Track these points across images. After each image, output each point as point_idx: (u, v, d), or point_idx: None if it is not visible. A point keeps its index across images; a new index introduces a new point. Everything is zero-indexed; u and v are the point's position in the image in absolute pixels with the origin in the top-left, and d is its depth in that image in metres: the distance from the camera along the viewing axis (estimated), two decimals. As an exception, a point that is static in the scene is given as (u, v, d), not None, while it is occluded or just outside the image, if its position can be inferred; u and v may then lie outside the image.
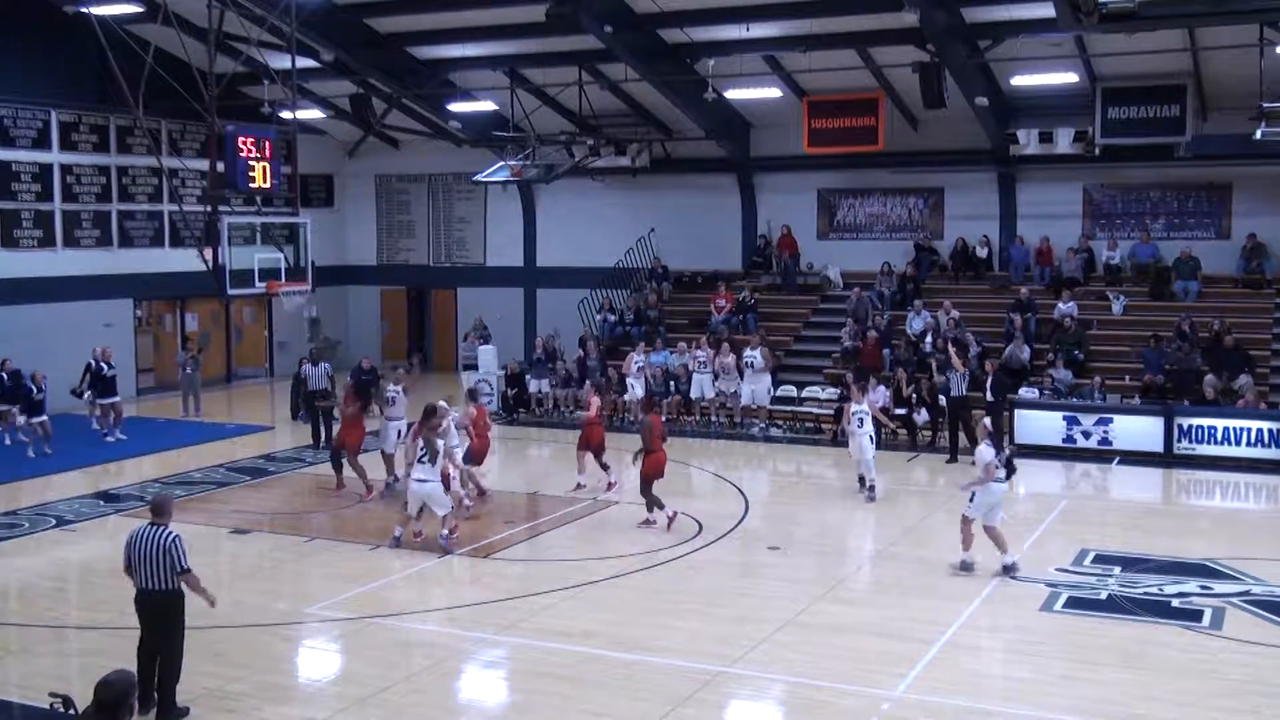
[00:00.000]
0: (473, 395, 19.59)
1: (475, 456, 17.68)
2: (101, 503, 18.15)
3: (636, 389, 23.69)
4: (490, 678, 11.41)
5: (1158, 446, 20.77)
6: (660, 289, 29.15)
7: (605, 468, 18.45)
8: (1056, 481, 20.18)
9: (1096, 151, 24.74)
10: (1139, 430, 21.07)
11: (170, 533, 9.92)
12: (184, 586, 9.99)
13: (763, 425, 23.68)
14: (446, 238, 33.56)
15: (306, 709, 10.28)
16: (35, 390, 21.77)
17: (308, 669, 11.68)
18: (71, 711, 7.68)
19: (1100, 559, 14.70)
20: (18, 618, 12.95)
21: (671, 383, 24.81)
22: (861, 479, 18.31)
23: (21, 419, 21.80)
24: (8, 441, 22.26)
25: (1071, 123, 25.10)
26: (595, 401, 19.16)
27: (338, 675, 11.42)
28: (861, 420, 18.14)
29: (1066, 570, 14.22)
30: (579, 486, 18.45)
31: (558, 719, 10.09)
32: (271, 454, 21.91)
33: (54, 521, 16.85)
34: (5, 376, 22.33)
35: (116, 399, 23.35)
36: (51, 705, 8.06)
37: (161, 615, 9.95)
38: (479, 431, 17.74)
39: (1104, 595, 13.31)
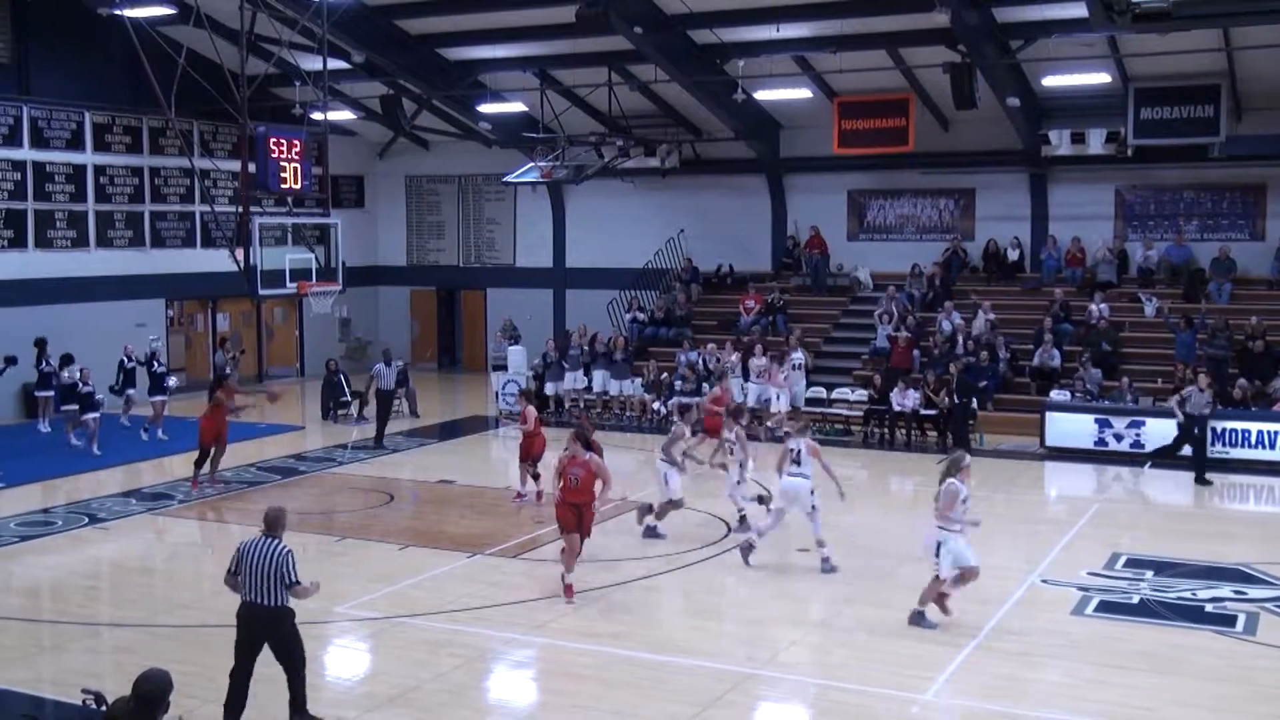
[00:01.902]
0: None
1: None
2: (134, 501, 18.27)
3: (783, 399, 23.52)
4: (519, 678, 11.42)
5: (1190, 450, 20.57)
6: (689, 290, 29.12)
7: (535, 477, 17.80)
8: (1088, 484, 20.05)
9: (1129, 152, 24.59)
10: (1171, 433, 20.87)
11: (283, 545, 9.58)
12: (292, 601, 9.60)
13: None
14: (476, 238, 33.63)
15: (336, 708, 10.30)
16: (82, 385, 21.94)
17: (337, 668, 11.71)
18: (103, 708, 7.72)
19: (1132, 563, 14.59)
20: (51, 614, 13.06)
21: (703, 382, 24.74)
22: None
23: (90, 415, 21.88)
24: (74, 443, 22.20)
25: (1104, 123, 24.96)
26: (530, 412, 18.09)
27: (367, 674, 11.46)
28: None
29: (1098, 574, 14.12)
30: (520, 496, 17.88)
31: (586, 720, 10.10)
32: (302, 454, 22.00)
33: (87, 519, 16.97)
34: (81, 386, 22.11)
35: (164, 397, 23.51)
36: (84, 702, 8.10)
37: (270, 630, 9.55)
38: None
39: (1136, 600, 13.21)
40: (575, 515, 13.25)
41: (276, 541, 9.59)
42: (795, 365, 23.96)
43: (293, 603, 9.60)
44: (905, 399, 22.22)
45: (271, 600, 9.47)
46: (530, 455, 17.85)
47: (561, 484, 13.44)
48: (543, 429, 18.36)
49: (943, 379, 22.59)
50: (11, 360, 21.82)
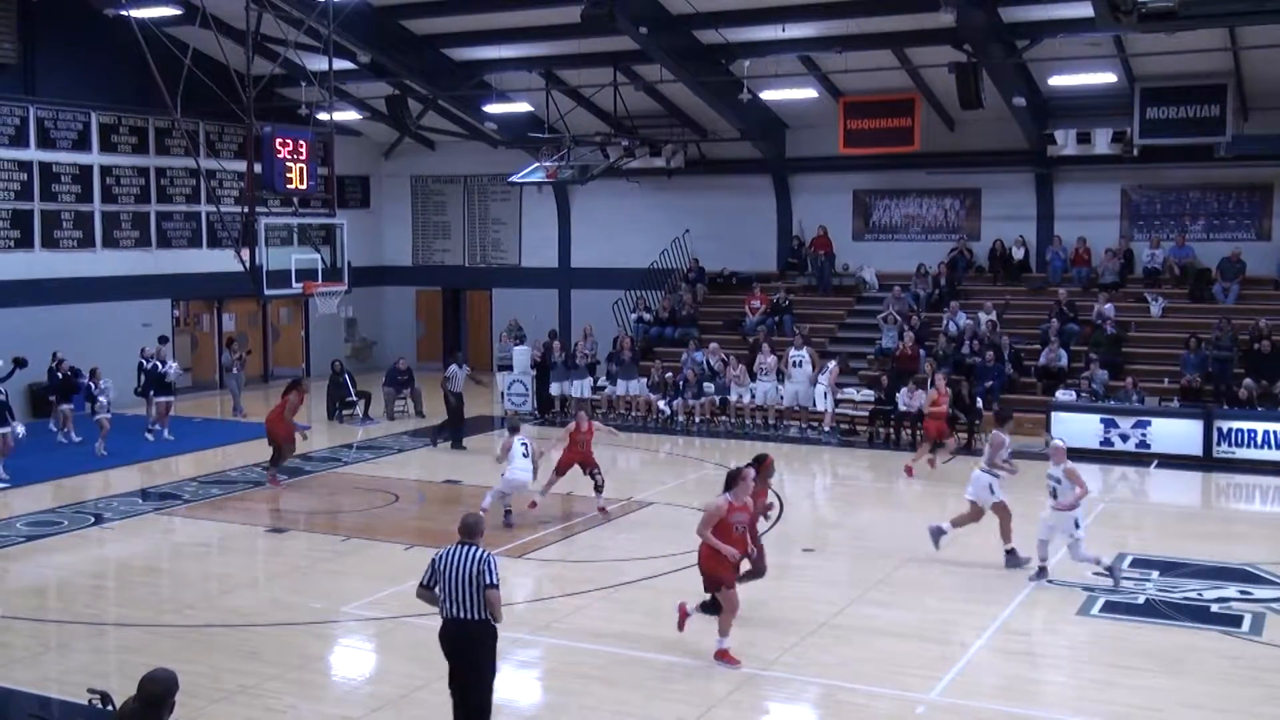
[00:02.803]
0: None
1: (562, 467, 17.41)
2: (140, 501, 18.31)
3: (825, 399, 23.53)
4: (524, 678, 11.41)
5: (1197, 450, 20.60)
6: (695, 290, 29.12)
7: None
8: (1094, 484, 19.90)
9: (1135, 152, 24.54)
10: (1178, 433, 20.90)
11: (483, 551, 8.88)
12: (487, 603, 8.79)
13: (800, 426, 23.59)
14: (482, 238, 33.66)
15: (341, 707, 10.33)
16: (94, 387, 21.97)
17: (343, 667, 11.73)
18: (110, 708, 7.74)
19: (1138, 563, 14.58)
20: (57, 614, 13.09)
21: (705, 383, 24.76)
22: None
23: (104, 415, 21.92)
24: (60, 440, 22.42)
25: (1110, 123, 24.92)
26: (583, 420, 17.70)
27: (372, 674, 11.48)
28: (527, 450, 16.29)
29: (1104, 574, 14.09)
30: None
31: (591, 720, 10.10)
32: (308, 454, 22.01)
33: (93, 519, 17.00)
34: (60, 375, 22.58)
35: (171, 398, 23.54)
36: (90, 701, 8.12)
37: (471, 646, 8.83)
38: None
39: (1142, 600, 13.20)
40: (734, 566, 11.45)
41: (475, 548, 8.89)
42: (796, 363, 23.87)
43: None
44: (912, 400, 22.20)
45: (473, 613, 8.73)
46: (572, 464, 17.36)
47: (714, 529, 11.21)
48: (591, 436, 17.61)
49: (951, 379, 22.53)
50: (21, 362, 21.84)
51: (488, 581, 8.71)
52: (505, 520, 16.34)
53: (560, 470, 17.37)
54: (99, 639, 12.26)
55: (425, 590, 9.02)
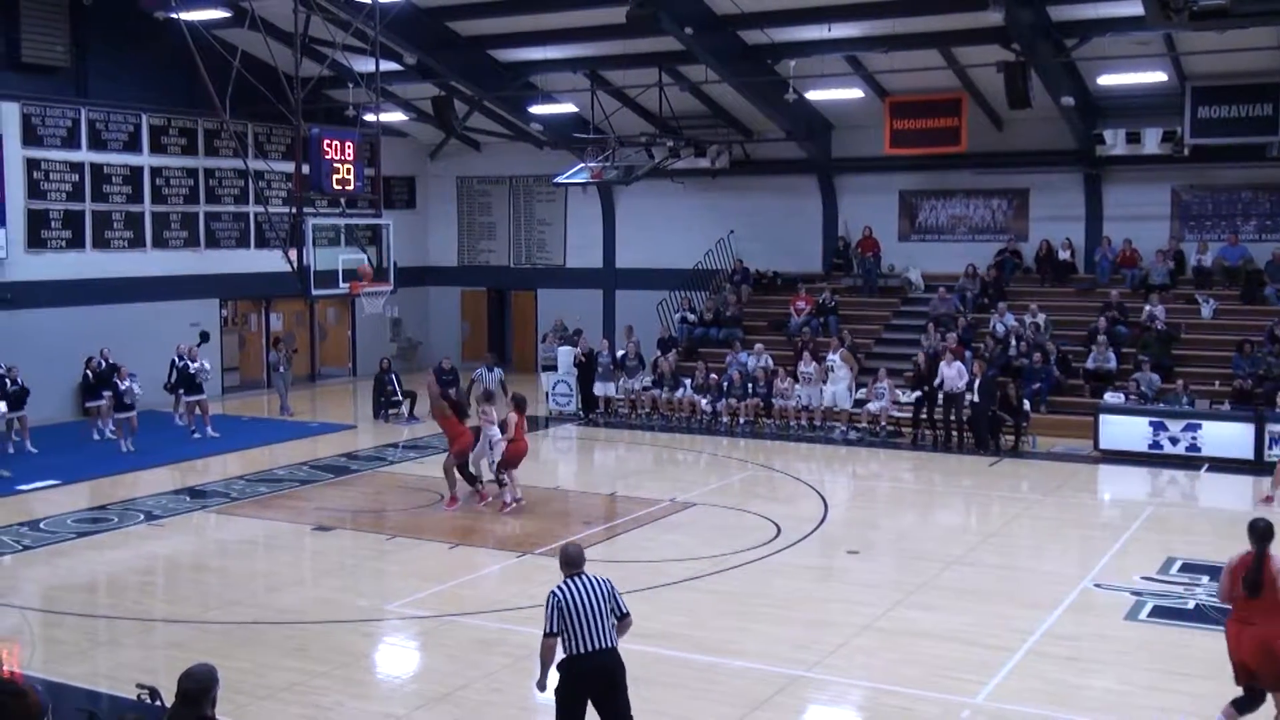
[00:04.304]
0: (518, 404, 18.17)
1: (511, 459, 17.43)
2: (188, 498, 18.49)
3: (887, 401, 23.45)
4: (567, 678, 11.43)
5: (1248, 453, 20.32)
6: (740, 291, 29.07)
7: (471, 480, 17.69)
8: (1142, 488, 19.83)
9: (1186, 152, 24.30)
10: (1229, 436, 20.62)
11: (604, 578, 8.46)
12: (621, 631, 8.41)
13: (843, 429, 23.48)
14: (527, 239, 33.75)
15: (386, 705, 10.38)
16: (120, 384, 22.21)
17: (387, 665, 11.80)
18: (158, 703, 7.81)
19: (1187, 567, 14.41)
20: (106, 610, 13.26)
21: (750, 384, 24.70)
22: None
23: (122, 414, 22.18)
24: (96, 437, 22.76)
25: (1160, 123, 24.68)
26: (512, 418, 17.48)
27: (417, 672, 11.53)
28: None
29: (1152, 579, 13.95)
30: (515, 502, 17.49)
31: (634, 720, 10.09)
32: (354, 452, 22.17)
33: (142, 516, 17.19)
34: (103, 364, 22.85)
35: (202, 396, 23.73)
36: (138, 696, 8.19)
37: (618, 681, 8.27)
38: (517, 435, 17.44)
39: (1191, 605, 13.05)
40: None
41: (592, 576, 8.41)
42: (830, 367, 23.66)
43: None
44: (951, 369, 21.85)
45: (612, 641, 8.21)
46: (513, 462, 17.36)
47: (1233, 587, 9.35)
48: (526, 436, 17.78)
49: (998, 380, 22.33)
50: (205, 336, 22.05)
51: (622, 610, 8.32)
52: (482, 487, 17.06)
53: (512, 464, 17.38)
54: (147, 635, 12.38)
55: (555, 638, 8.19)
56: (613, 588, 8.36)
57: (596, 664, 8.13)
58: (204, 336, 26.19)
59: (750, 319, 28.20)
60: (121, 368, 22.43)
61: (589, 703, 8.23)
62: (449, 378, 26.23)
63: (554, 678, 8.24)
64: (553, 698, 8.29)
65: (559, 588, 8.26)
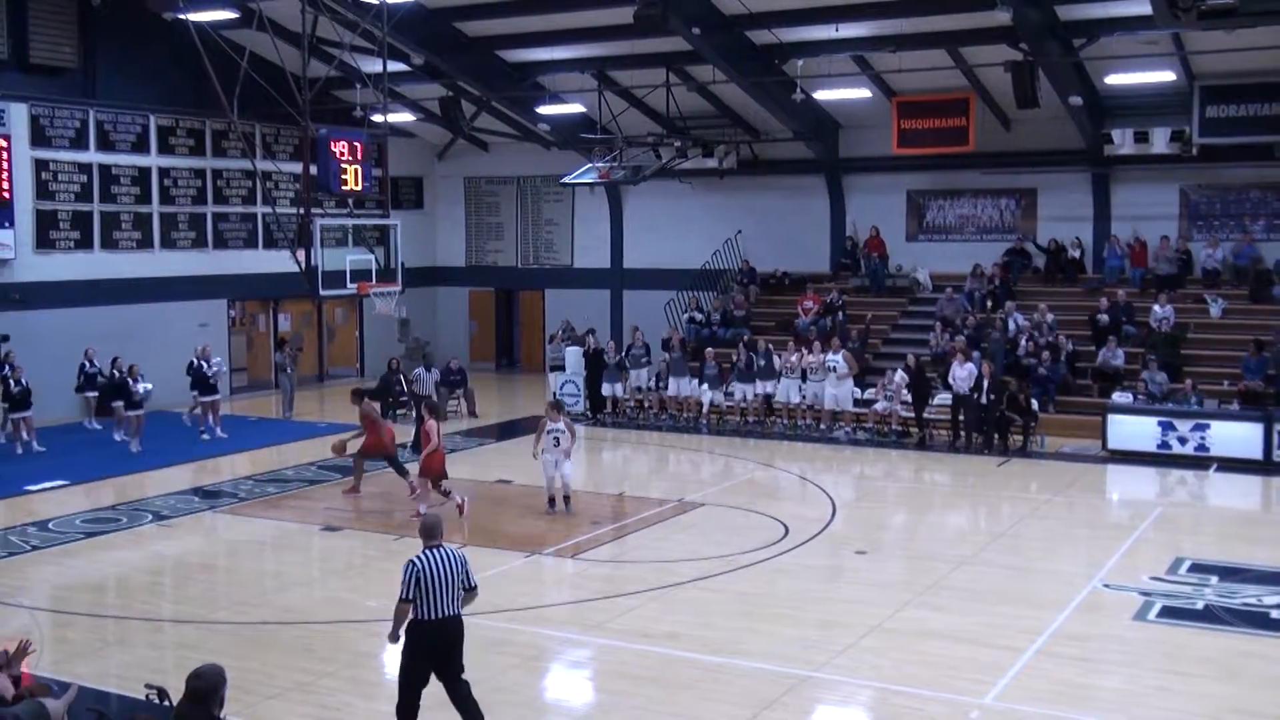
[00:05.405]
0: (433, 409, 18.52)
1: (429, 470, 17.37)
2: (196, 499, 18.51)
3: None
4: (575, 678, 11.45)
5: (1257, 454, 20.26)
6: (748, 291, 29.05)
7: (446, 494, 17.42)
8: (1151, 488, 19.79)
9: (1194, 151, 24.25)
10: (1237, 436, 20.56)
11: (459, 550, 9.35)
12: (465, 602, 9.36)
13: (848, 429, 23.45)
14: (534, 239, 33.77)
15: (393, 705, 10.36)
16: (131, 384, 22.25)
17: (395, 666, 11.75)
18: (167, 703, 7.83)
19: (1196, 568, 14.37)
20: (115, 610, 13.28)
21: (756, 365, 24.53)
22: (551, 499, 17.15)
23: (131, 412, 22.25)
24: (116, 438, 22.72)
25: (1168, 122, 24.64)
26: (432, 426, 17.60)
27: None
28: (558, 439, 16.78)
29: (1161, 579, 13.92)
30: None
31: (642, 720, 10.10)
32: (362, 453, 22.18)
33: (150, 517, 17.21)
34: (116, 374, 22.88)
35: (216, 397, 23.75)
36: (147, 696, 8.22)
37: (460, 641, 9.27)
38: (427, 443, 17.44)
39: (1200, 605, 13.01)
40: None
41: (447, 549, 9.17)
42: (830, 367, 23.57)
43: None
44: (962, 369, 21.82)
45: (457, 609, 9.10)
46: (433, 472, 17.30)
47: None
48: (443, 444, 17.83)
49: (1004, 381, 22.31)
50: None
51: (474, 583, 9.18)
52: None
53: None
54: (156, 635, 12.39)
55: (404, 604, 9.01)
56: (465, 561, 9.14)
57: (441, 630, 9.02)
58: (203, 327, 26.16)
59: (758, 319, 28.19)
60: (134, 367, 22.49)
61: (431, 661, 9.10)
62: (457, 378, 26.35)
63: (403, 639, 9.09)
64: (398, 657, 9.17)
65: (418, 557, 9.02)
